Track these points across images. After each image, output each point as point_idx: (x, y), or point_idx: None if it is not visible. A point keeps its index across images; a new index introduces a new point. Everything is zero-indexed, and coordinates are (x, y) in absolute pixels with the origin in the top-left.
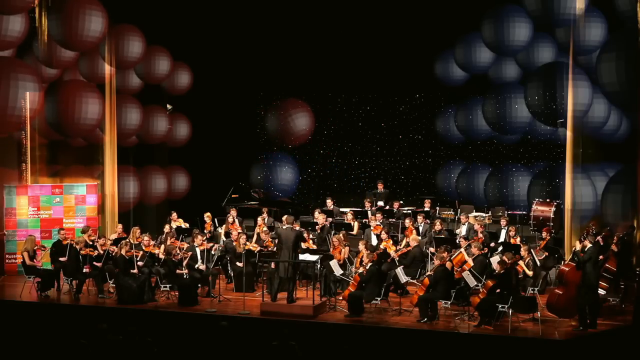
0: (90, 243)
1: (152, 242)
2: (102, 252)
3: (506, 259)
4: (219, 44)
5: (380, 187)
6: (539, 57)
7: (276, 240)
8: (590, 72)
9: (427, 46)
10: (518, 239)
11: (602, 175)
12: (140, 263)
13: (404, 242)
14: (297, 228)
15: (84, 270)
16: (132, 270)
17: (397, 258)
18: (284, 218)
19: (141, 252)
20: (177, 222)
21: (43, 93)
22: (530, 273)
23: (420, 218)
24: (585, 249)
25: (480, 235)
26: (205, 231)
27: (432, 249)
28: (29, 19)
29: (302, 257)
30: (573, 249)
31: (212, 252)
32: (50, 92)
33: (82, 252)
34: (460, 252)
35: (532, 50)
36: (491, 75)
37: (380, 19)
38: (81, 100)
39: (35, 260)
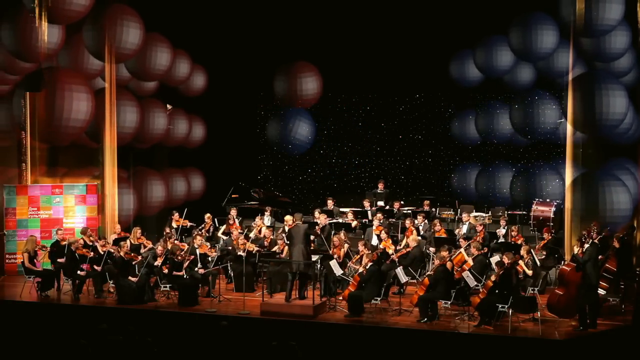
0: (90, 244)
1: (150, 245)
2: (102, 252)
3: (506, 259)
4: (232, 46)
5: (381, 186)
6: (558, 63)
7: (278, 240)
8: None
9: (426, 45)
10: (520, 240)
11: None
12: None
13: (404, 242)
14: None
15: (84, 270)
16: (130, 278)
17: (397, 259)
18: (285, 218)
19: (139, 258)
20: (179, 223)
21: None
22: (530, 273)
23: (420, 218)
24: (585, 250)
25: (478, 233)
26: (204, 231)
27: (432, 249)
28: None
29: None
30: (572, 249)
31: (210, 258)
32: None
33: (78, 251)
34: (460, 252)
35: (551, 56)
36: (506, 79)
37: (379, 18)
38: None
39: (36, 260)
